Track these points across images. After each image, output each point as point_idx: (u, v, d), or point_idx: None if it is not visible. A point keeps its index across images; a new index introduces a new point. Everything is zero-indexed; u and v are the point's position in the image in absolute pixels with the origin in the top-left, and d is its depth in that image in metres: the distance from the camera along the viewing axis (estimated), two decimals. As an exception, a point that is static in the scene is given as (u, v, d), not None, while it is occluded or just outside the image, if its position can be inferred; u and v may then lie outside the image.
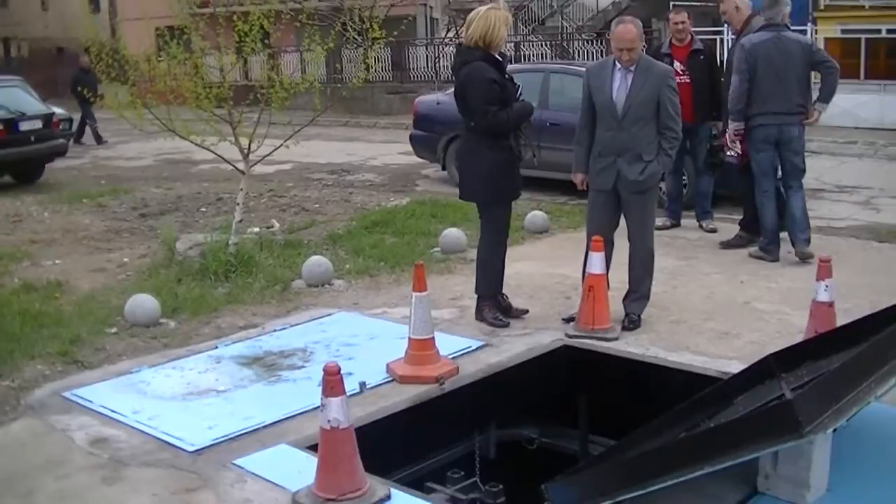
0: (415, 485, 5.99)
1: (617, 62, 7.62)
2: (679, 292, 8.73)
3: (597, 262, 7.46)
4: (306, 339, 7.67)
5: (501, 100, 7.51)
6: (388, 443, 6.10)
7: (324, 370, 4.81)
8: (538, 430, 7.72)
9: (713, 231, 11.14)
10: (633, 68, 7.56)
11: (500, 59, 7.68)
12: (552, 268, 9.60)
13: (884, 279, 8.91)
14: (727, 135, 10.11)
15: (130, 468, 5.47)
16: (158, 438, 5.83)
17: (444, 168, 15.94)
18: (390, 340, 7.50)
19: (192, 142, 10.02)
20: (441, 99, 15.86)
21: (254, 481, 5.28)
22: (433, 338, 6.81)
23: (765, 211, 9.96)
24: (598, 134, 7.75)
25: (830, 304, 6.86)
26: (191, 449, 5.66)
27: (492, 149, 7.63)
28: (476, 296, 8.01)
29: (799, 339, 7.14)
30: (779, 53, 9.61)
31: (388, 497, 5.01)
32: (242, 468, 5.43)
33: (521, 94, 7.73)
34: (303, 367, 7.06)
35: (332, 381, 4.81)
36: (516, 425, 7.65)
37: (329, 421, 4.82)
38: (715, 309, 8.23)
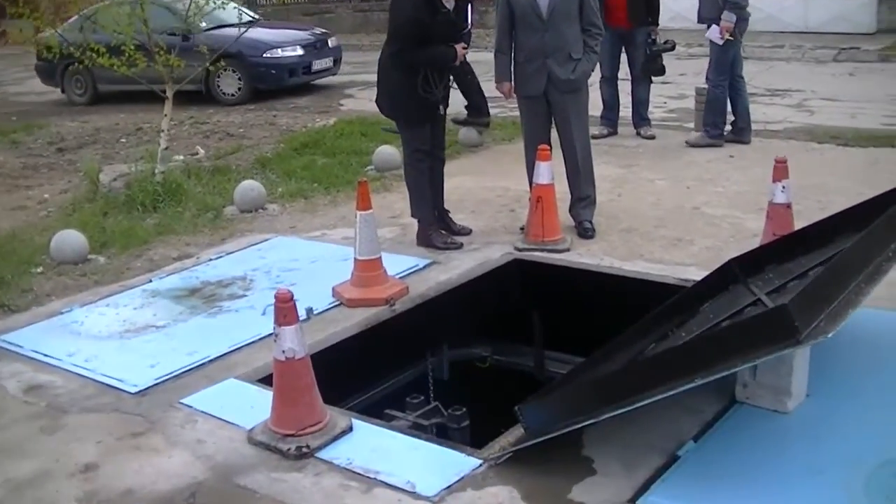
0: (373, 412, 5.74)
1: None
2: (626, 200, 8.49)
3: (545, 171, 7.18)
4: (245, 266, 7.31)
5: (422, 38, 7.10)
6: (340, 370, 5.77)
7: (275, 297, 4.48)
8: (490, 348, 7.46)
9: (652, 138, 10.90)
10: None
11: None
12: (492, 181, 9.31)
13: (830, 180, 8.74)
14: (725, 26, 9.94)
15: (70, 415, 5.10)
16: (98, 381, 5.46)
17: (63, 91, 17.45)
18: (333, 263, 7.20)
19: (115, 69, 9.51)
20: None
21: (204, 420, 4.95)
22: (380, 258, 6.51)
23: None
24: (520, 40, 7.48)
25: (788, 206, 6.71)
26: (134, 390, 5.30)
27: (397, 70, 7.25)
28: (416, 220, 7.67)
29: (755, 242, 7.01)
30: None
31: (350, 428, 4.72)
32: (191, 407, 5.09)
33: (467, 32, 7.35)
34: (244, 295, 6.72)
35: (285, 309, 4.48)
36: (468, 345, 7.39)
37: (284, 351, 4.50)
38: (665, 216, 8.00)
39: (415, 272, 6.96)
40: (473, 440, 5.61)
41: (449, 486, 4.24)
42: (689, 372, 3.89)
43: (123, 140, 13.12)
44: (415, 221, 7.66)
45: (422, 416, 5.56)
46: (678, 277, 6.58)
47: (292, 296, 4.49)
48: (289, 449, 4.53)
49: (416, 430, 5.39)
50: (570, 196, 7.73)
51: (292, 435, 4.57)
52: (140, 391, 5.29)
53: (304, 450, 4.52)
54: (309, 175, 9.93)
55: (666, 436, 4.53)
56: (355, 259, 6.47)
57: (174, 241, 8.05)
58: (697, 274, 6.55)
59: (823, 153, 9.99)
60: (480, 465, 4.40)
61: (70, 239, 7.59)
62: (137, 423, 4.96)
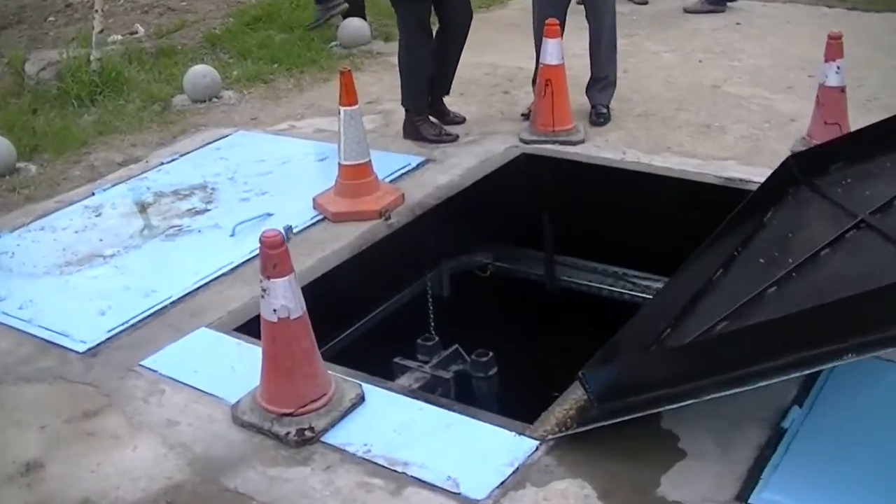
0: (371, 349, 4.86)
1: None
2: (633, 77, 7.38)
3: (554, 49, 6.14)
4: (203, 171, 6.21)
5: None
6: (329, 301, 4.77)
7: (262, 242, 3.43)
8: (491, 254, 6.43)
9: (644, 3, 9.72)
10: None
11: None
12: (476, 56, 8.09)
13: (856, 51, 7.62)
14: None
15: (3, 387, 4.03)
16: (36, 337, 4.37)
17: None
18: (308, 164, 6.22)
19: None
20: None
21: (174, 389, 3.92)
22: (370, 162, 5.45)
23: None
24: None
25: (842, 90, 5.79)
26: (82, 349, 4.23)
27: None
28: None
29: (793, 127, 6.21)
30: None
31: (362, 398, 3.73)
32: (155, 371, 4.05)
33: None
34: (206, 210, 5.64)
35: (276, 257, 3.43)
36: (467, 251, 6.36)
37: (275, 310, 3.47)
38: (683, 96, 6.97)
39: (407, 173, 5.94)
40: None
41: (503, 483, 3.27)
42: (830, 342, 2.90)
43: (52, 19, 11.68)
44: (398, 108, 6.58)
45: (440, 366, 4.57)
46: (719, 176, 5.62)
47: (283, 239, 3.44)
48: (288, 433, 3.53)
49: (436, 383, 4.41)
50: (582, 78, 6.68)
51: (290, 414, 3.57)
52: (90, 350, 4.23)
53: (308, 433, 3.53)
54: (267, 54, 8.71)
55: (762, 400, 3.56)
56: (340, 164, 5.42)
57: (117, 141, 6.86)
58: (738, 169, 5.68)
59: (837, 20, 8.84)
60: (537, 447, 3.43)
61: (-7, 146, 6.40)
62: (89, 397, 3.91)
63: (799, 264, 3.81)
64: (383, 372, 4.55)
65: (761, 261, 4.14)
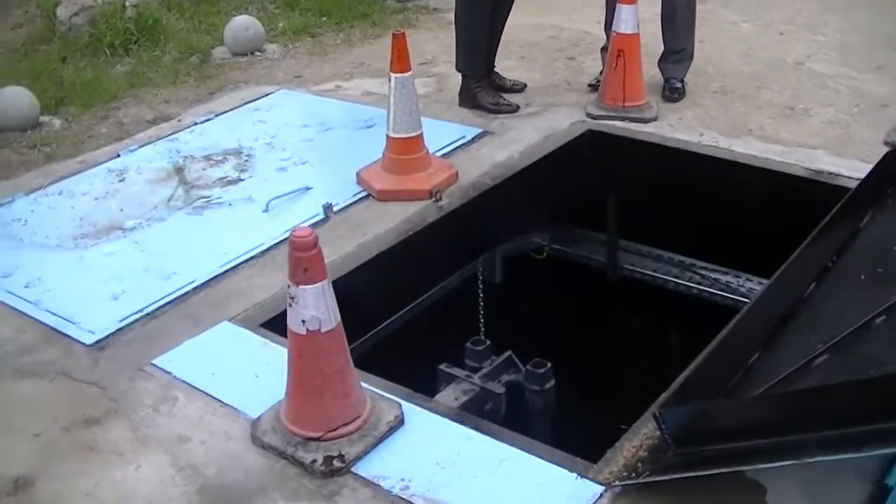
0: (411, 347, 4.41)
1: None
2: (710, 49, 6.78)
3: (629, 16, 5.59)
4: (239, 133, 5.73)
5: None
6: (367, 292, 4.30)
7: (291, 241, 2.92)
8: (548, 234, 5.90)
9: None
10: None
11: None
12: (538, 16, 7.58)
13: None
14: None
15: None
16: (41, 322, 3.90)
17: None
18: (353, 131, 5.70)
19: None
20: None
21: (188, 397, 3.44)
22: (421, 135, 4.93)
23: None
24: None
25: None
26: (90, 340, 3.76)
27: None
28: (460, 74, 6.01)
29: (886, 114, 5.62)
30: None
31: (401, 421, 3.23)
32: (169, 373, 3.57)
33: None
34: (239, 179, 5.15)
35: (307, 261, 2.92)
36: (522, 232, 5.84)
37: (304, 321, 2.96)
38: (765, 73, 6.38)
39: (462, 147, 5.42)
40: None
41: (561, 540, 2.79)
42: None
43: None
44: (454, 71, 6.06)
45: (490, 376, 4.06)
46: (806, 167, 5.05)
47: (316, 239, 2.93)
48: (314, 461, 3.05)
49: (486, 397, 3.92)
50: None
51: (317, 439, 3.09)
52: (98, 342, 3.75)
53: (337, 463, 3.04)
54: (315, 6, 8.20)
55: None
56: (388, 136, 4.90)
57: (150, 96, 6.39)
58: (827, 160, 5.09)
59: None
60: (601, 494, 2.93)
61: (16, 98, 5.88)
62: (93, 400, 3.43)
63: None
64: (425, 373, 4.11)
65: (862, 277, 3.63)
